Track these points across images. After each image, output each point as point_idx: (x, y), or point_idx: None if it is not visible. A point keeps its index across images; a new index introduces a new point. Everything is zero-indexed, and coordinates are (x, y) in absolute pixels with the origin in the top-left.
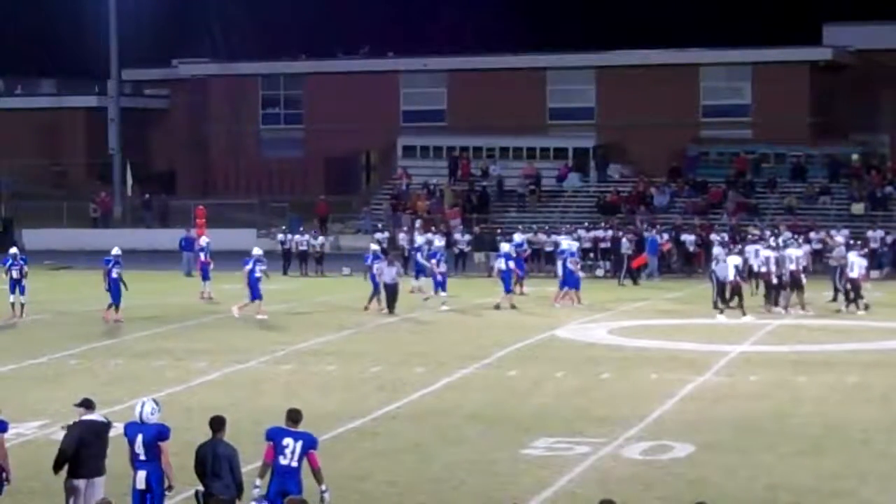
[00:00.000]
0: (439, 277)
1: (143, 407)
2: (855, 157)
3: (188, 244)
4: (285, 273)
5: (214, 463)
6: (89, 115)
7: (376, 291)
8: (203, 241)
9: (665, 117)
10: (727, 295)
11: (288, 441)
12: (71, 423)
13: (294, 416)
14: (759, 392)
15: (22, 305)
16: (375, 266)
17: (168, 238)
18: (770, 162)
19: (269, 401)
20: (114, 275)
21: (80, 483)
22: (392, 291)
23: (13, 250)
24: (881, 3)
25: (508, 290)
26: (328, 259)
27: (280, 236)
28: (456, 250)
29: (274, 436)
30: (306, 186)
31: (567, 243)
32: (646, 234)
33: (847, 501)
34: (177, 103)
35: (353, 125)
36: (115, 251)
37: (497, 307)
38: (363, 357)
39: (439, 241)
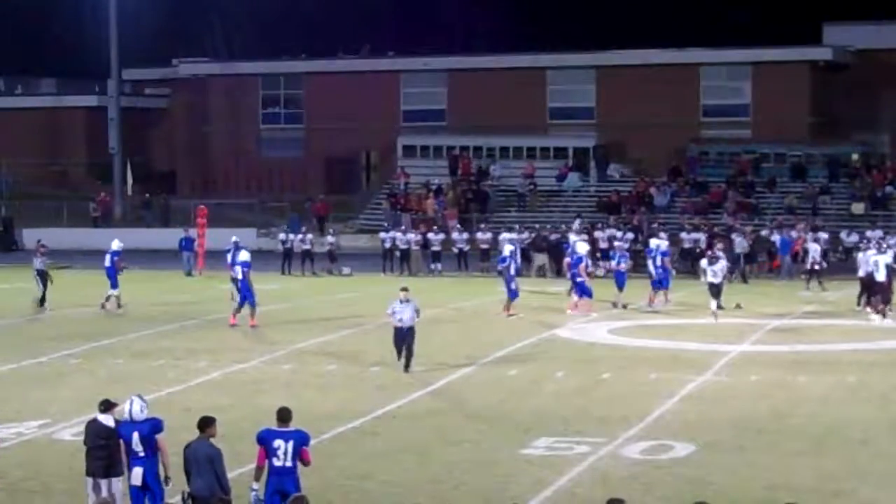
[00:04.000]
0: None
1: (132, 405)
2: (855, 156)
3: (188, 244)
4: (283, 272)
5: (196, 463)
6: (89, 115)
7: (513, 295)
8: (233, 239)
9: (665, 117)
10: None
11: (279, 442)
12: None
13: (283, 415)
14: (759, 392)
15: (116, 297)
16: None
17: (168, 238)
18: (770, 162)
19: (269, 400)
20: (240, 276)
21: (88, 480)
22: (409, 336)
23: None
24: (881, 3)
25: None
26: (325, 258)
27: (282, 236)
28: (455, 250)
29: (264, 438)
30: (306, 186)
31: (656, 242)
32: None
33: (847, 501)
34: (177, 103)
35: (353, 125)
36: (247, 256)
37: (616, 305)
38: (363, 357)
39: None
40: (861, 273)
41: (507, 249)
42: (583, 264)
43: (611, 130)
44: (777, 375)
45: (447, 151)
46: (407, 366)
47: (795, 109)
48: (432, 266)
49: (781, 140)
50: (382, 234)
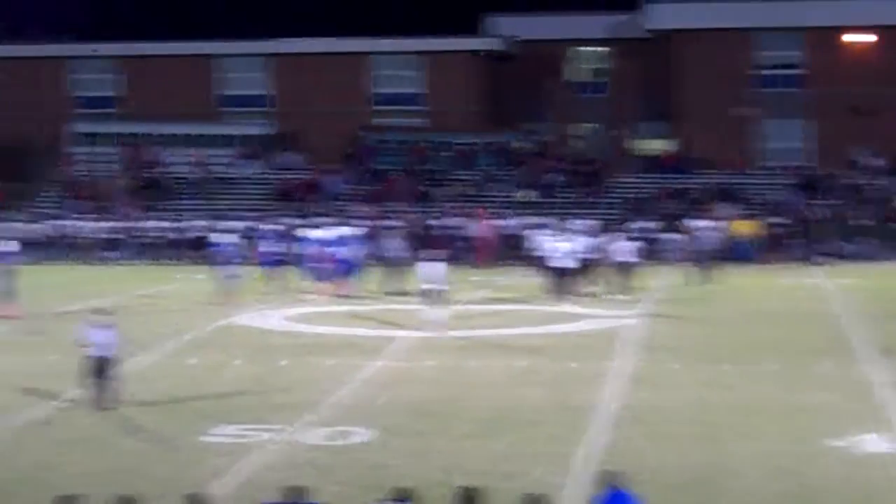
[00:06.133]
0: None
1: None
2: (522, 145)
3: None
4: None
5: None
6: None
7: (232, 282)
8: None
9: (338, 105)
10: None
11: None
12: None
13: None
14: (433, 377)
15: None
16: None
17: None
18: (441, 150)
19: None
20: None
21: None
22: (108, 367)
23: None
24: None
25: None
26: None
27: None
28: (134, 238)
29: None
30: None
31: (342, 230)
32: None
33: (519, 483)
34: None
35: (23, 112)
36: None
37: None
38: (39, 347)
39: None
40: (551, 262)
41: (226, 238)
42: (321, 249)
43: (284, 118)
44: (451, 360)
45: (121, 139)
46: (105, 402)
47: (465, 99)
48: (110, 254)
49: (451, 129)
50: (58, 223)
